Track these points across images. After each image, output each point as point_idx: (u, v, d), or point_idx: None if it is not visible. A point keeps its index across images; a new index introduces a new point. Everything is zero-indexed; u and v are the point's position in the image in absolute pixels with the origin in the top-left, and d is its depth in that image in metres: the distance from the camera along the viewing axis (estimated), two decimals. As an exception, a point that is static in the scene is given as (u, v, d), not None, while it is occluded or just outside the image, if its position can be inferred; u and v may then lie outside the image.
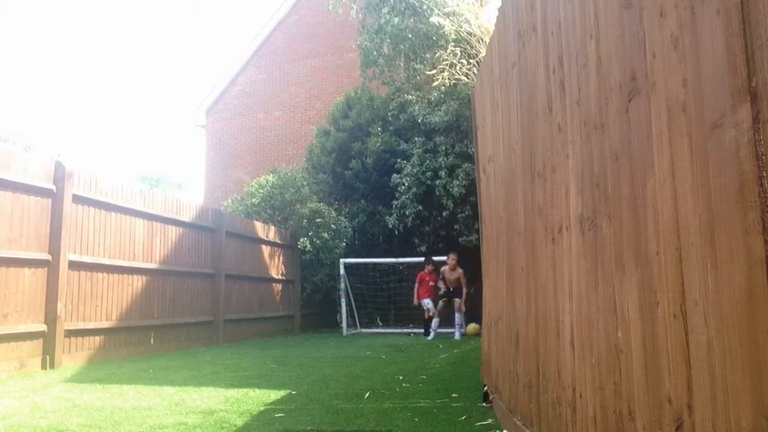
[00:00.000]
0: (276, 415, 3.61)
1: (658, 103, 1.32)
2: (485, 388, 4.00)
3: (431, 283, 10.70)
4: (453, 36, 11.23)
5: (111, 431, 3.22)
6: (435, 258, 11.13)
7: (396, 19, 11.93)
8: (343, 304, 11.37)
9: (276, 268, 11.28)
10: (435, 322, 10.27)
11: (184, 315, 8.43)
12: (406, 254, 11.82)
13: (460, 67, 11.05)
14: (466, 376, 5.20)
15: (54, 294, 6.05)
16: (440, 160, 11.75)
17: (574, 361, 1.97)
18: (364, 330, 11.87)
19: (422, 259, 11.45)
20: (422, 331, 10.69)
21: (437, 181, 11.63)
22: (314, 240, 11.55)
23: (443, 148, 11.85)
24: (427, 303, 10.53)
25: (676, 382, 1.23)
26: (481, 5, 11.73)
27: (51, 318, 6.00)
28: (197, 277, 8.83)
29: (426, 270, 10.81)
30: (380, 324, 12.37)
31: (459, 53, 11.08)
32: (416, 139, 12.28)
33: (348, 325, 11.43)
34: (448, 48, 11.15)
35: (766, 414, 0.92)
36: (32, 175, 5.94)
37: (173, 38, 79.85)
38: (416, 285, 10.86)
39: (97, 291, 6.80)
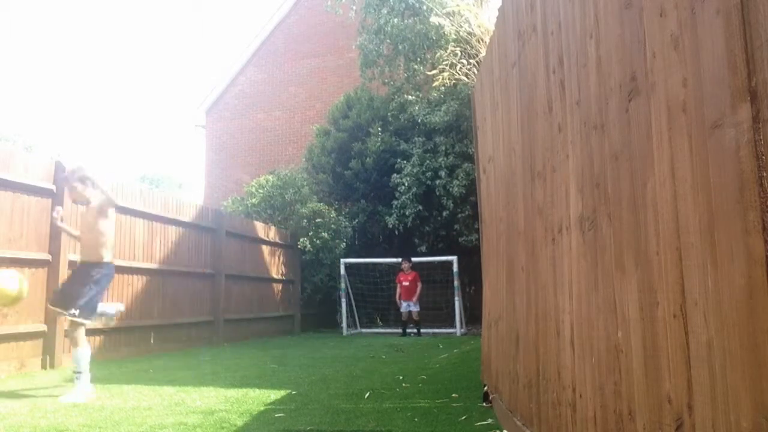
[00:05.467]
0: (276, 415, 3.61)
1: (658, 103, 1.32)
2: (485, 388, 4.00)
3: (405, 283, 10.93)
4: (453, 36, 11.23)
5: (111, 431, 3.22)
6: (436, 258, 11.18)
7: (396, 20, 11.93)
8: (343, 304, 11.37)
9: (276, 268, 11.27)
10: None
11: (184, 315, 8.43)
12: (406, 254, 11.83)
13: (460, 67, 11.05)
14: (466, 376, 5.20)
15: (54, 294, 6.05)
16: (440, 160, 11.75)
17: (574, 361, 1.97)
18: (364, 330, 11.87)
19: (422, 259, 11.49)
20: (415, 331, 10.77)
21: (437, 181, 11.63)
22: (314, 240, 11.56)
23: (443, 148, 11.85)
24: (406, 306, 10.85)
25: (676, 382, 1.23)
26: (481, 5, 11.72)
27: (51, 318, 5.99)
28: (197, 277, 8.83)
29: (403, 269, 11.02)
30: (380, 324, 12.38)
31: (459, 53, 11.08)
32: (416, 139, 12.28)
33: (348, 325, 11.44)
34: (448, 48, 11.15)
35: (766, 414, 0.92)
36: (32, 175, 5.94)
37: (173, 38, 79.85)
38: (397, 287, 11.20)
39: (97, 291, 6.79)
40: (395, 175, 12.07)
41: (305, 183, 12.34)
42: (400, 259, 11.26)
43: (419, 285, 10.99)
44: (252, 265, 10.49)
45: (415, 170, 11.78)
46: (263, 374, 5.47)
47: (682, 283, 1.19)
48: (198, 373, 5.62)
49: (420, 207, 11.76)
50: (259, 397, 4.22)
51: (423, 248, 12.10)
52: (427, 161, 11.84)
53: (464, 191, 11.31)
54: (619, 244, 1.56)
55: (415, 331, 10.76)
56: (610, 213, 1.62)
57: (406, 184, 11.75)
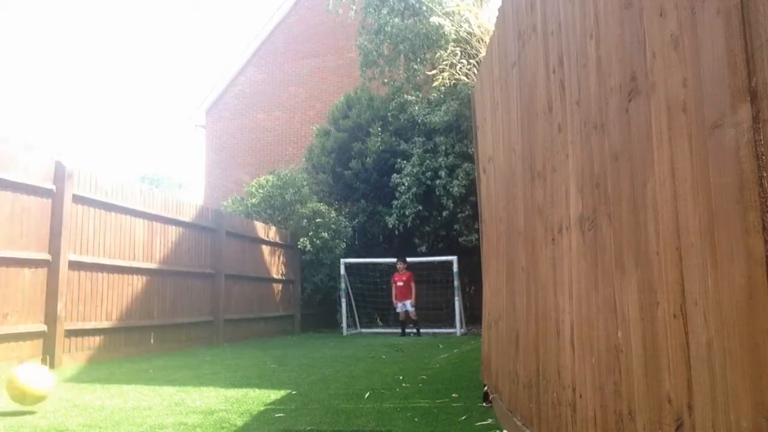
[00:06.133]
0: (276, 415, 3.61)
1: (658, 103, 1.32)
2: (485, 388, 4.00)
3: (400, 284, 10.96)
4: (453, 36, 11.23)
5: (111, 431, 3.22)
6: (436, 258, 11.18)
7: (396, 20, 11.93)
8: (343, 304, 11.37)
9: (276, 268, 11.28)
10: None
11: (184, 315, 8.43)
12: (406, 254, 11.83)
13: (460, 67, 11.05)
14: (466, 376, 5.20)
15: (54, 294, 6.05)
16: (440, 160, 11.75)
17: (574, 361, 1.97)
18: (364, 330, 11.87)
19: (422, 259, 11.49)
20: (414, 331, 10.77)
21: (437, 181, 11.63)
22: (314, 240, 11.56)
23: (443, 148, 11.86)
24: (401, 306, 10.90)
25: (676, 382, 1.23)
26: (481, 5, 11.72)
27: (51, 318, 5.99)
28: (197, 277, 8.83)
29: (398, 269, 11.06)
30: (380, 324, 12.38)
31: (459, 53, 11.08)
32: (416, 139, 12.28)
33: (348, 325, 11.44)
34: (448, 48, 11.15)
35: (766, 414, 0.92)
36: (32, 175, 5.94)
37: (173, 38, 79.88)
38: (392, 287, 11.22)
39: (97, 291, 6.79)
40: (395, 175, 12.07)
41: (305, 183, 12.34)
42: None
43: (413, 285, 10.99)
44: (252, 265, 10.49)
45: (415, 170, 11.78)
46: (263, 374, 5.47)
47: (682, 283, 1.19)
48: (198, 373, 5.62)
49: (420, 207, 11.76)
50: (259, 397, 4.22)
51: (423, 248, 12.10)
52: (427, 161, 11.84)
53: (464, 191, 11.32)
54: (619, 244, 1.56)
55: (415, 331, 10.77)
56: (610, 213, 1.62)
57: (406, 184, 11.76)
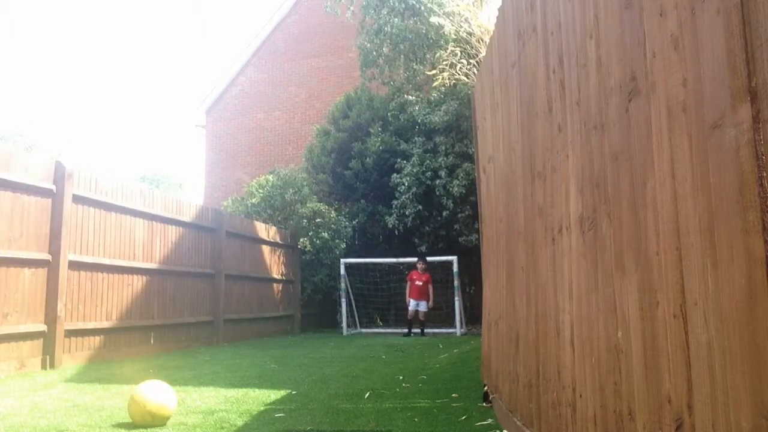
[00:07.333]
0: (276, 415, 3.61)
1: (658, 103, 1.32)
2: (485, 388, 4.00)
3: (418, 283, 10.93)
4: (453, 36, 11.23)
5: (111, 431, 3.22)
6: (436, 258, 11.18)
7: (396, 20, 11.94)
8: (343, 304, 11.37)
9: (276, 268, 11.28)
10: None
11: (184, 315, 8.43)
12: (406, 254, 11.83)
13: (460, 67, 11.05)
14: (466, 376, 5.20)
15: (54, 294, 6.05)
16: (440, 160, 11.76)
17: (574, 361, 1.97)
18: (364, 330, 11.87)
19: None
20: (418, 331, 10.75)
21: (437, 181, 11.64)
22: (314, 240, 11.56)
23: (443, 148, 11.86)
24: (414, 305, 10.84)
25: (676, 382, 1.23)
26: (481, 5, 11.72)
27: (51, 318, 5.99)
28: (197, 277, 8.83)
29: (418, 268, 11.03)
30: (380, 324, 12.38)
31: (459, 53, 11.08)
32: (416, 139, 12.29)
33: (348, 325, 11.44)
34: (448, 48, 11.15)
35: (766, 414, 0.92)
36: (32, 175, 5.94)
37: (174, 38, 79.88)
38: (407, 284, 11.18)
39: (97, 291, 6.79)
40: (395, 175, 12.07)
41: (305, 183, 12.35)
42: (415, 259, 11.26)
43: (431, 288, 11.00)
44: (252, 265, 10.49)
45: (415, 170, 11.79)
46: (263, 374, 5.47)
47: (682, 283, 1.19)
48: (198, 373, 5.62)
49: (420, 207, 11.76)
50: (259, 397, 4.22)
51: (423, 248, 12.10)
52: (427, 161, 11.85)
53: (464, 191, 11.32)
54: (619, 244, 1.56)
55: (418, 330, 10.72)
56: (610, 213, 1.62)
57: (406, 184, 11.76)
